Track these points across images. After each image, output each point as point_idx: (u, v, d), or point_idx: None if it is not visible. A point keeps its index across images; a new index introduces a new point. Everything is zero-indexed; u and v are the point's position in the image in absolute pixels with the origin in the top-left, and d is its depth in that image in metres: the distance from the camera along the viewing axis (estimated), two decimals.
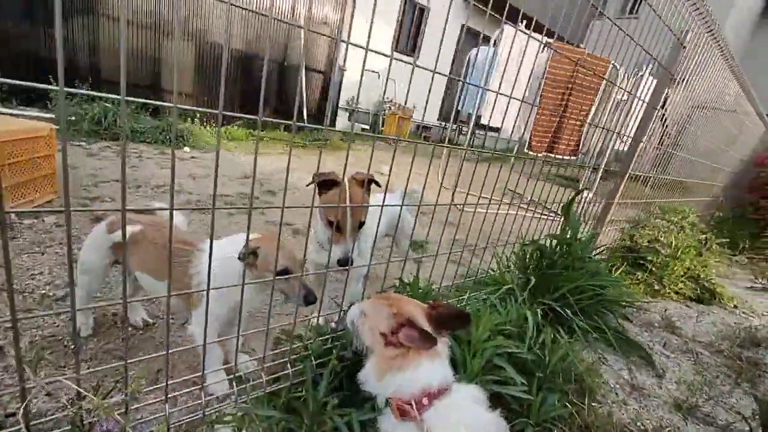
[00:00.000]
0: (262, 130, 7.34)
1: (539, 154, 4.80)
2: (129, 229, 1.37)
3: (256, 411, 1.14)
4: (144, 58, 5.98)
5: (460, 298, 1.86)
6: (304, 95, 7.63)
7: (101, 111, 5.12)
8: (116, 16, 5.62)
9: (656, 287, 2.95)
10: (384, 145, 9.49)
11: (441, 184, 1.78)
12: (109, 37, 5.68)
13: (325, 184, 1.60)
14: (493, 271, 2.17)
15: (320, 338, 1.42)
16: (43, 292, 1.81)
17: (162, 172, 4.04)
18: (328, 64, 8.23)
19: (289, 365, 1.33)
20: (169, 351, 1.03)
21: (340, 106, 9.32)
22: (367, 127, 10.41)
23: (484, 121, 4.97)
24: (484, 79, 5.08)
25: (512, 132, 4.61)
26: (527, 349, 1.55)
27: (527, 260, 2.21)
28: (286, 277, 1.29)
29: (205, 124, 6.59)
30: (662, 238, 3.16)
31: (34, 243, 2.20)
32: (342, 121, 9.42)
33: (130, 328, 1.73)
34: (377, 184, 1.70)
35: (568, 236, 2.18)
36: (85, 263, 1.52)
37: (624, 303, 2.25)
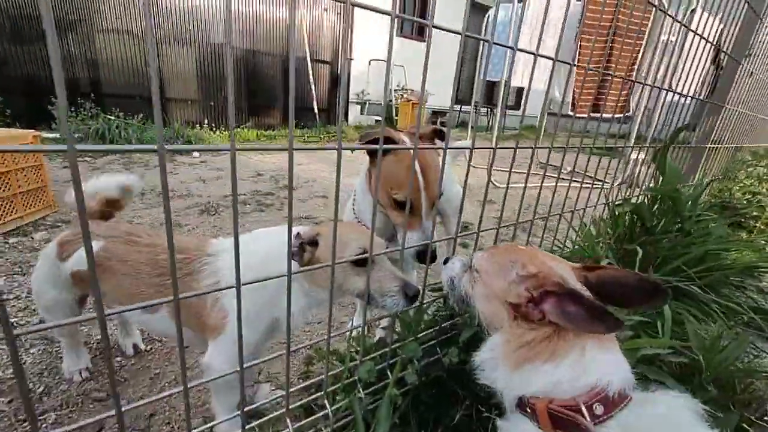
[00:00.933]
0: (273, 130, 7.05)
1: (584, 116, 4.22)
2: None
3: None
4: (144, 68, 5.74)
5: None
6: (314, 89, 7.25)
7: (104, 125, 4.91)
8: (112, 28, 5.40)
9: None
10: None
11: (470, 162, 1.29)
12: (107, 50, 5.46)
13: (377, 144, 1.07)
14: (572, 243, 1.66)
15: (368, 357, 0.97)
16: (14, 320, 1.45)
17: (170, 178, 3.74)
18: (334, 53, 7.82)
19: (326, 401, 0.89)
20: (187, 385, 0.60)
21: (350, 98, 8.92)
22: (379, 118, 9.97)
23: (515, 83, 4.42)
24: (510, 38, 4.53)
25: (548, 92, 4.05)
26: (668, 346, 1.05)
27: (620, 228, 1.69)
28: (362, 256, 0.82)
29: (213, 128, 6.33)
30: (763, 189, 2.55)
31: (16, 263, 1.87)
32: (354, 114, 9.01)
33: (119, 358, 1.34)
34: (441, 136, 1.20)
35: (671, 190, 1.65)
36: (42, 299, 1.10)
37: (761, 271, 1.69)
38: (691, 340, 1.10)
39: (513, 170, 1.18)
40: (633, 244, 1.56)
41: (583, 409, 0.55)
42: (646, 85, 1.59)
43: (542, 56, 1.08)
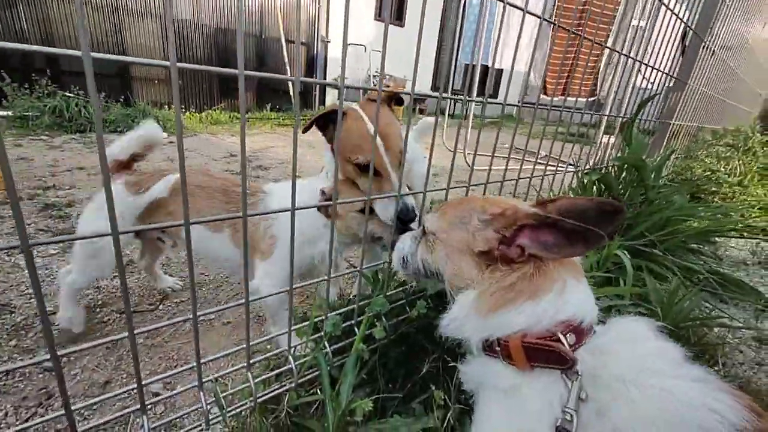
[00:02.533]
0: (248, 112, 6.84)
1: (554, 98, 4.29)
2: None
3: None
4: (107, 44, 5.40)
5: None
6: (289, 72, 7.04)
7: (62, 103, 4.60)
8: None
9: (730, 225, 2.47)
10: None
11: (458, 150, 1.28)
12: (63, 24, 5.09)
13: (330, 120, 1.06)
14: None
15: (335, 312, 0.95)
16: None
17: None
18: (310, 34, 7.61)
19: (289, 356, 0.86)
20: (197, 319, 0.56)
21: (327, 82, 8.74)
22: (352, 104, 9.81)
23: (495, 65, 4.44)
24: (486, 21, 4.52)
25: (527, 75, 4.07)
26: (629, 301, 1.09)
27: (586, 195, 1.73)
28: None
29: (183, 109, 6.07)
30: (721, 167, 2.68)
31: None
32: (331, 99, 8.84)
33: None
34: (400, 102, 1.20)
35: (637, 160, 1.70)
36: (94, 241, 1.12)
37: (716, 237, 1.77)
38: (651, 294, 1.14)
39: (494, 155, 1.18)
40: None
41: (562, 338, 0.56)
42: (620, 53, 1.61)
43: (530, 13, 1.07)
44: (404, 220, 0.99)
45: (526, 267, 0.60)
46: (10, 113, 4.44)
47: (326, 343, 0.91)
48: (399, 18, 9.56)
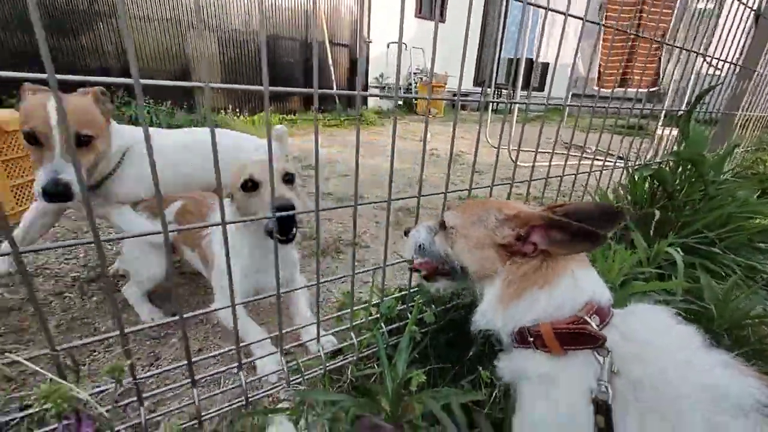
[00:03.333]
0: (294, 114, 7.18)
1: (609, 91, 4.09)
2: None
3: (316, 395, 0.80)
4: (170, 54, 5.93)
5: None
6: (333, 73, 7.29)
7: (136, 111, 5.15)
8: (140, 15, 5.59)
9: None
10: (421, 117, 8.98)
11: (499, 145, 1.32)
12: (136, 38, 5.66)
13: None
14: None
15: (391, 297, 1.06)
16: (75, 274, 1.63)
17: None
18: (352, 36, 7.81)
19: (352, 333, 0.98)
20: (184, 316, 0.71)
21: (369, 82, 8.92)
22: (400, 103, 9.92)
23: (537, 58, 4.32)
24: (530, 15, 4.42)
25: (573, 67, 3.92)
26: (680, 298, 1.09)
27: (639, 193, 1.70)
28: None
29: (237, 113, 6.52)
30: None
31: (70, 230, 2.06)
32: (374, 99, 9.01)
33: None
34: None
35: (694, 154, 1.63)
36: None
37: None
38: (705, 291, 1.13)
39: (538, 151, 1.22)
40: (651, 207, 1.57)
41: (589, 319, 0.62)
42: (681, 48, 1.56)
43: (572, 16, 1.10)
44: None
45: (536, 260, 0.68)
46: None
47: (382, 324, 1.02)
48: (440, 14, 9.51)
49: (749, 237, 1.58)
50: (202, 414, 0.79)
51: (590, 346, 0.59)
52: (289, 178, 1.09)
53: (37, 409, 0.52)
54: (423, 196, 0.99)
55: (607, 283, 0.71)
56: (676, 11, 3.97)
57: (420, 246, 0.86)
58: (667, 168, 1.70)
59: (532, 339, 0.65)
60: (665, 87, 4.39)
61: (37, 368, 0.53)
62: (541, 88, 10.78)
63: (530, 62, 7.23)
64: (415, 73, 9.92)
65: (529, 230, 0.69)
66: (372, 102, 8.96)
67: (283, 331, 0.92)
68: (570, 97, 2.40)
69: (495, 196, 1.14)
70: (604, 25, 1.40)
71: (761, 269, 1.41)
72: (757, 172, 2.48)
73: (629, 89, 4.20)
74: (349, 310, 1.00)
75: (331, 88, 7.38)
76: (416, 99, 8.58)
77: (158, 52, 5.83)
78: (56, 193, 0.98)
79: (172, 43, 5.93)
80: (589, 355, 0.59)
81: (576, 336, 0.61)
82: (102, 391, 0.70)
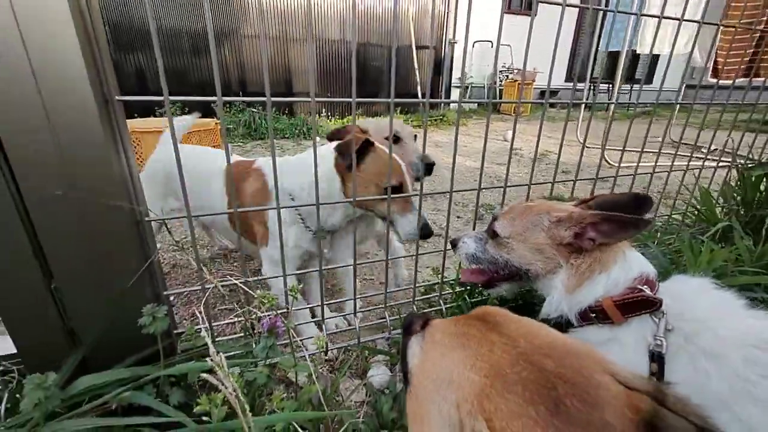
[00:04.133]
0: (380, 116, 7.61)
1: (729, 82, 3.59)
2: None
3: None
4: (276, 66, 6.77)
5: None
6: (418, 76, 7.55)
7: (250, 117, 6.02)
8: (253, 34, 6.49)
9: None
10: (507, 117, 8.75)
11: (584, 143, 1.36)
12: (251, 55, 6.60)
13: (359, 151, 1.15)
14: (694, 209, 1.61)
15: None
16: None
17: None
18: (436, 38, 7.96)
19: (441, 301, 1.18)
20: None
21: (452, 82, 8.97)
22: (482, 101, 9.76)
23: (643, 50, 3.98)
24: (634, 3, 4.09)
25: (689, 57, 3.52)
26: None
27: (750, 193, 1.58)
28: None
29: (329, 117, 7.16)
30: None
31: None
32: (455, 97, 9.04)
33: None
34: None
35: None
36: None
37: None
38: None
39: (631, 150, 1.27)
40: (758, 209, 1.46)
41: (642, 287, 0.73)
42: None
43: (687, 20, 1.11)
44: (425, 234, 1.13)
45: (595, 251, 0.78)
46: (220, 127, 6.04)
47: (466, 297, 1.19)
48: (530, 8, 9.12)
49: None
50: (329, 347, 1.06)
51: (647, 311, 0.70)
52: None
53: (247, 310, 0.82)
54: (483, 188, 1.13)
55: (694, 274, 0.81)
56: None
57: (473, 256, 0.94)
58: None
59: (594, 315, 0.77)
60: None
61: (248, 290, 0.83)
62: (648, 80, 9.65)
63: (633, 54, 6.56)
64: (501, 71, 9.67)
65: (584, 227, 0.79)
66: (453, 96, 9.00)
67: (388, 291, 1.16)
68: (683, 89, 2.23)
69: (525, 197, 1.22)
70: (724, 25, 1.36)
71: None
72: None
73: (756, 79, 3.65)
74: (437, 281, 1.20)
75: (416, 91, 7.64)
76: (497, 102, 8.38)
77: (269, 65, 6.71)
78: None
79: (277, 56, 6.76)
80: (647, 318, 0.70)
81: (634, 304, 0.72)
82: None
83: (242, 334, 0.94)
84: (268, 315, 0.73)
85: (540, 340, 0.39)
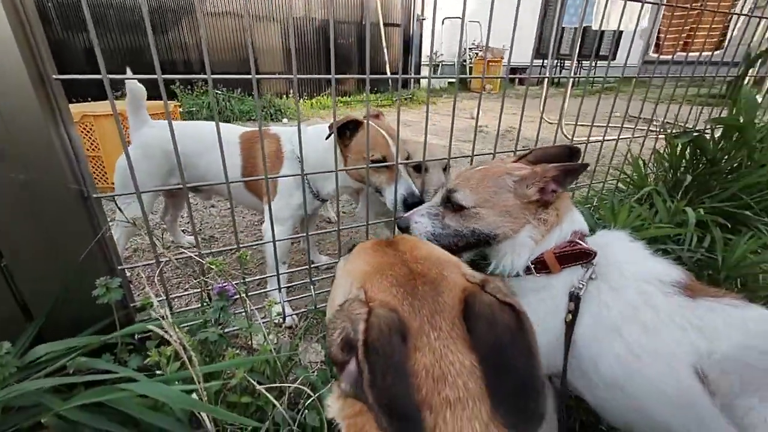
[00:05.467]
0: (349, 96, 7.51)
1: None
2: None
3: None
4: (239, 45, 6.53)
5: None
6: (387, 55, 7.46)
7: (214, 99, 5.82)
8: (216, 12, 6.20)
9: None
10: (477, 94, 8.84)
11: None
12: (214, 33, 6.32)
13: (347, 129, 1.28)
14: (627, 176, 1.76)
15: None
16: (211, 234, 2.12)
17: None
18: (406, 15, 7.85)
19: None
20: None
21: (422, 61, 8.92)
22: (453, 80, 9.79)
23: (595, 26, 4.12)
24: None
25: (634, 34, 3.68)
26: (687, 250, 1.20)
27: (675, 159, 1.73)
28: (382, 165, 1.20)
29: (300, 97, 7.02)
30: None
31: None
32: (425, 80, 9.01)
33: None
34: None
35: (736, 121, 1.63)
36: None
37: None
38: (717, 243, 1.22)
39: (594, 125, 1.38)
40: (686, 174, 1.61)
41: (579, 241, 0.83)
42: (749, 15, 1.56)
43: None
44: (409, 203, 1.17)
45: (550, 206, 0.86)
46: (181, 109, 5.81)
47: None
48: None
49: None
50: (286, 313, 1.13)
51: (582, 262, 0.80)
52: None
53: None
54: (451, 158, 1.21)
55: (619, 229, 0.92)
56: None
57: (432, 234, 0.91)
58: (712, 135, 1.71)
59: (532, 265, 0.85)
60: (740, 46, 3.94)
61: (200, 260, 0.88)
62: (614, 58, 9.92)
63: (593, 32, 6.72)
64: (470, 48, 9.68)
65: (547, 181, 0.83)
66: (425, 80, 8.98)
67: None
68: (642, 64, 2.36)
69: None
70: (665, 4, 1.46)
71: None
72: None
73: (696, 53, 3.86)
74: None
75: (384, 70, 7.57)
76: (465, 78, 8.43)
77: (229, 44, 6.45)
78: (416, 202, 1.17)
79: (237, 35, 6.50)
80: (578, 268, 0.81)
81: (572, 256, 0.82)
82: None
83: (199, 306, 0.99)
84: (224, 282, 0.79)
85: (419, 253, 0.57)
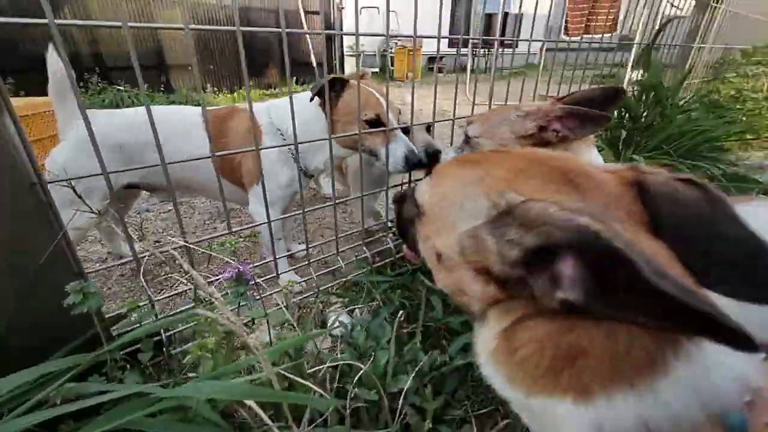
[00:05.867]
0: (274, 88, 7.13)
1: (575, 38, 4.27)
2: None
3: (373, 278, 1.05)
4: (141, 34, 5.77)
5: None
6: (310, 44, 7.20)
7: (117, 97, 5.08)
8: None
9: (749, 136, 2.59)
10: (399, 82, 9.00)
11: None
12: (109, 18, 5.47)
13: (332, 90, 1.13)
14: None
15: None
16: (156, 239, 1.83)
17: None
18: (326, 3, 7.65)
19: (389, 239, 1.23)
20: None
21: (344, 51, 8.81)
22: (377, 69, 9.83)
23: (514, 10, 4.46)
24: None
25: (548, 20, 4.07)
26: None
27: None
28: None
29: (216, 92, 6.46)
30: (747, 86, 2.75)
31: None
32: (350, 67, 8.93)
33: None
34: None
35: (652, 82, 1.89)
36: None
37: (730, 144, 1.96)
38: None
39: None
40: (619, 130, 1.83)
41: None
42: None
43: None
44: (412, 162, 1.13)
45: (559, 146, 0.86)
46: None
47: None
48: None
49: (700, 149, 1.88)
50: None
51: None
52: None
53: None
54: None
55: None
56: None
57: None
58: (632, 96, 1.95)
59: None
60: (633, 31, 4.60)
61: (195, 247, 0.75)
62: (516, 44, 10.80)
63: (504, 16, 7.26)
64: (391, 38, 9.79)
65: (548, 121, 0.83)
66: (349, 69, 8.89)
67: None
68: (544, 50, 2.57)
69: None
70: None
71: (705, 168, 1.71)
72: (711, 99, 2.77)
73: (596, 35, 4.40)
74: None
75: (308, 59, 7.32)
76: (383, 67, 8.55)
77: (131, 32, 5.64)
78: (418, 161, 1.13)
79: (141, 19, 5.73)
80: None
81: None
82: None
83: (192, 305, 0.85)
84: (237, 264, 0.67)
85: (541, 154, 0.45)
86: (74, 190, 0.73)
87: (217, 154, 0.85)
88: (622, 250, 0.26)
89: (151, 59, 5.92)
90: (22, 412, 0.52)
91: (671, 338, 0.30)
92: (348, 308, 1.18)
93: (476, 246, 0.38)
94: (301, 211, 1.02)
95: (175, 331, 0.86)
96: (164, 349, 0.80)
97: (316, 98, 1.13)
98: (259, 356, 0.47)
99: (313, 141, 1.06)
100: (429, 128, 1.39)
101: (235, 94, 6.46)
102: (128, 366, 0.71)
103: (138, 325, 0.72)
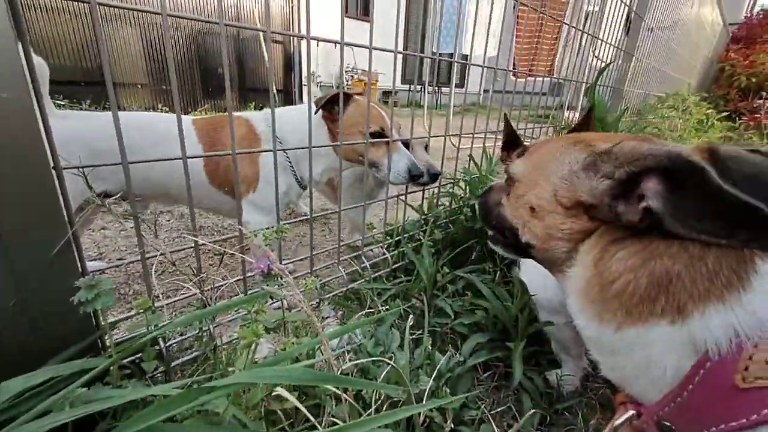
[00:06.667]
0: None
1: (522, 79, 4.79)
2: None
3: (376, 285, 1.05)
4: (92, 51, 5.42)
5: None
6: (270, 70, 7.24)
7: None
8: (41, 5, 5.02)
9: None
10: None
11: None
12: (40, 32, 5.08)
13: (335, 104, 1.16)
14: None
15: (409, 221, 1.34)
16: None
17: None
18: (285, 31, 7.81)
19: (385, 251, 1.24)
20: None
21: (303, 81, 8.95)
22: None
23: (465, 51, 4.88)
24: (458, 8, 4.96)
25: (497, 60, 4.54)
26: None
27: None
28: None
29: (168, 112, 6.17)
30: (665, 125, 3.24)
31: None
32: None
33: None
34: None
35: (600, 116, 2.16)
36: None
37: None
38: None
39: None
40: None
41: None
42: (581, 30, 2.07)
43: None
44: (414, 175, 1.20)
45: None
46: None
47: (406, 239, 1.29)
48: (366, 13, 9.88)
49: None
50: None
51: None
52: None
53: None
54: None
55: None
56: (568, 10, 4.80)
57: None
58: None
59: None
60: (563, 78, 5.26)
61: (208, 243, 0.71)
62: (461, 84, 11.70)
63: (465, 58, 7.91)
64: (347, 71, 10.15)
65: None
66: (305, 97, 9.01)
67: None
68: (491, 92, 2.87)
69: None
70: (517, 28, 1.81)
71: None
72: (641, 135, 3.23)
73: (536, 78, 4.95)
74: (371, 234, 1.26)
75: (268, 85, 7.32)
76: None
77: (68, 48, 5.28)
78: (420, 174, 1.20)
79: (88, 37, 5.41)
80: None
81: None
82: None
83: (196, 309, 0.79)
84: (265, 256, 0.65)
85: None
86: (86, 180, 0.67)
87: (206, 154, 0.83)
88: (699, 162, 0.33)
89: (96, 74, 5.55)
90: (31, 417, 0.45)
91: (746, 256, 0.35)
92: (345, 319, 1.16)
93: (570, 186, 0.45)
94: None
95: (175, 341, 0.79)
96: (164, 358, 0.73)
97: (321, 111, 1.17)
98: (321, 338, 0.46)
99: (320, 146, 1.07)
100: (426, 147, 1.47)
101: (192, 115, 6.23)
102: (130, 374, 0.64)
103: (146, 329, 0.66)
